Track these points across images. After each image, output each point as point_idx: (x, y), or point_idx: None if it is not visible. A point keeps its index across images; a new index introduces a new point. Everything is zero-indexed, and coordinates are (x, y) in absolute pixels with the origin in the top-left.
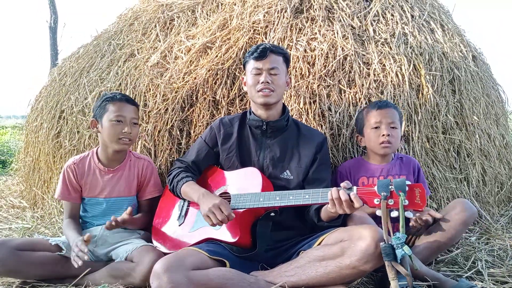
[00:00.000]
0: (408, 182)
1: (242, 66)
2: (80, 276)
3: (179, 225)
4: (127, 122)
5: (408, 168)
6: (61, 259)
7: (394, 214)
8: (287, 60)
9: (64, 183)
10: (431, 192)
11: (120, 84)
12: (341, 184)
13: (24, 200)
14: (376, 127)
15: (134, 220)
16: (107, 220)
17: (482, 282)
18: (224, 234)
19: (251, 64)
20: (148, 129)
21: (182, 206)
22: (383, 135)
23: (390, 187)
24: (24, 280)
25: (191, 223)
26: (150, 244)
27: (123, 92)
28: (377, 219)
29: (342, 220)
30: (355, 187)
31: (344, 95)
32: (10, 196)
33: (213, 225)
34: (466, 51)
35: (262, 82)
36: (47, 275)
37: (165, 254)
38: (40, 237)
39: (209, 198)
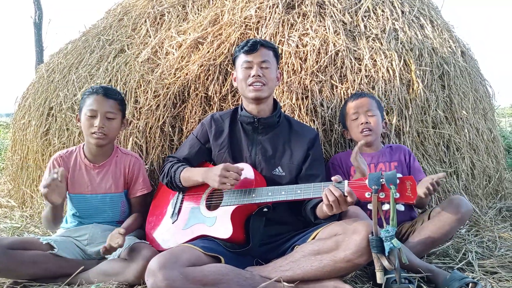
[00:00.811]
0: (399, 175)
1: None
2: (73, 275)
3: (173, 223)
4: (99, 116)
5: (399, 154)
6: (53, 257)
7: (385, 207)
8: (277, 54)
9: None
10: None
11: (110, 80)
12: (332, 178)
13: (12, 199)
14: (355, 118)
15: (128, 232)
16: (100, 244)
17: (472, 273)
18: (217, 230)
19: (242, 58)
20: (139, 126)
21: (175, 204)
22: (362, 123)
23: (381, 180)
24: (15, 280)
25: (184, 220)
26: (144, 241)
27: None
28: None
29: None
30: (346, 181)
31: (336, 91)
32: None
33: (232, 187)
34: (455, 46)
35: (253, 76)
36: (39, 274)
37: (159, 251)
38: (31, 236)
39: (212, 170)
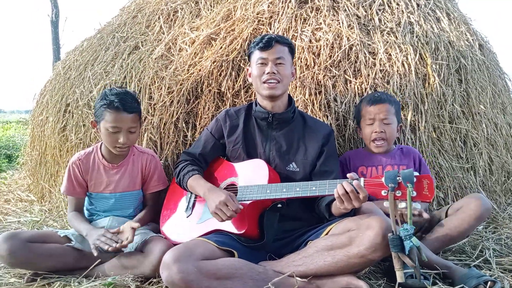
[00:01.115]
0: (416, 173)
1: (246, 57)
2: (90, 268)
3: (187, 217)
4: (122, 132)
5: (409, 158)
6: (71, 250)
7: (401, 205)
8: (292, 50)
9: (69, 179)
10: (438, 182)
11: (125, 77)
12: (348, 175)
13: (32, 193)
14: (370, 124)
15: (140, 225)
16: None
17: (490, 270)
18: (231, 225)
19: (256, 55)
20: (153, 122)
21: (190, 198)
22: (375, 132)
23: (397, 178)
24: (35, 271)
25: (198, 214)
26: (159, 235)
27: (127, 85)
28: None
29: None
30: (362, 179)
31: (350, 85)
32: (18, 190)
33: (222, 221)
34: (472, 39)
35: (267, 73)
36: (58, 266)
37: (174, 245)
38: (49, 230)
39: (214, 194)
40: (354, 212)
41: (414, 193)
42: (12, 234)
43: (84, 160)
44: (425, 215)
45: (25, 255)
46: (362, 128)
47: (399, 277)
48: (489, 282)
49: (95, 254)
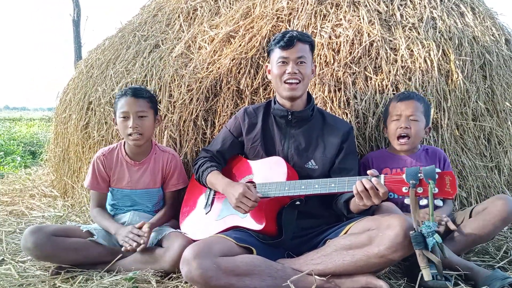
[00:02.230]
0: (438, 170)
1: (266, 54)
2: (112, 262)
3: (206, 213)
4: (131, 117)
5: (434, 160)
6: (93, 245)
7: (423, 202)
8: (313, 47)
9: (93, 174)
10: (461, 181)
11: (145, 75)
12: (368, 172)
13: (55, 189)
14: (396, 119)
15: (154, 227)
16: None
17: None
18: (250, 222)
19: (277, 53)
20: (173, 120)
21: (209, 195)
22: (400, 127)
23: (419, 175)
24: (59, 265)
25: (217, 211)
26: (179, 230)
27: (148, 83)
28: (404, 209)
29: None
30: (382, 176)
31: (370, 82)
32: (42, 185)
33: (246, 213)
34: (498, 34)
35: (288, 73)
36: (80, 260)
37: (193, 241)
38: (72, 224)
39: (232, 188)
40: (373, 210)
41: (436, 190)
42: (37, 227)
43: (108, 156)
44: (451, 226)
45: (49, 248)
46: (388, 125)
47: (426, 275)
48: None
49: (125, 251)
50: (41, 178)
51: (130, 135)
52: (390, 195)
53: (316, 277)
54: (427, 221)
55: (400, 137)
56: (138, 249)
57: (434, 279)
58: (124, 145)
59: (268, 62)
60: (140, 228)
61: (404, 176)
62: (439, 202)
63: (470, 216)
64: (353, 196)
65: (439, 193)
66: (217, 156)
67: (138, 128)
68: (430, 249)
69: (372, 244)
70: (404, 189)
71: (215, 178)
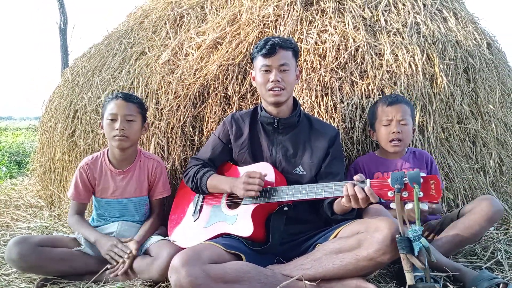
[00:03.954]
0: (422, 174)
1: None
2: (100, 273)
3: (194, 221)
4: (119, 119)
5: (421, 162)
6: (80, 254)
7: (408, 206)
8: (296, 53)
9: (76, 184)
10: (447, 183)
11: (132, 82)
12: (355, 177)
13: (41, 199)
14: (386, 125)
15: (141, 242)
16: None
17: (502, 272)
18: (238, 229)
19: (260, 61)
20: (161, 127)
21: (197, 202)
22: (393, 132)
23: (404, 179)
24: (45, 276)
25: (206, 218)
26: (167, 238)
27: (135, 90)
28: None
29: (356, 213)
30: (368, 180)
31: (357, 87)
32: (27, 195)
33: (256, 195)
34: (480, 39)
35: (272, 81)
36: (67, 271)
37: (181, 249)
38: (59, 235)
39: (237, 181)
40: (357, 212)
41: (421, 194)
42: (22, 238)
43: (91, 166)
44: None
45: (35, 259)
46: (377, 129)
47: (409, 279)
48: (501, 284)
49: (110, 266)
50: (27, 188)
51: (114, 136)
52: None
53: (306, 282)
54: (414, 225)
55: (393, 140)
56: (119, 273)
57: (423, 281)
58: (107, 154)
59: (253, 69)
60: (126, 242)
61: (389, 180)
62: (424, 206)
63: (458, 218)
64: (337, 197)
65: (424, 197)
66: (208, 163)
67: (124, 131)
68: (417, 253)
69: (361, 247)
70: (389, 194)
71: (217, 180)
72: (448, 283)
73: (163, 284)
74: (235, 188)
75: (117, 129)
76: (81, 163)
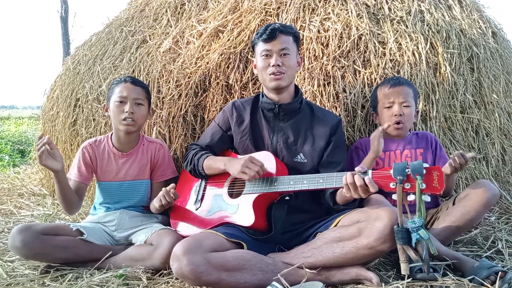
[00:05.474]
0: (425, 165)
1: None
2: (102, 260)
3: (196, 210)
4: (128, 102)
5: (425, 141)
6: (83, 243)
7: (410, 197)
8: (297, 39)
9: (78, 163)
10: None
11: (133, 71)
12: (356, 169)
13: (44, 187)
14: (388, 107)
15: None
16: (128, 230)
17: (502, 261)
18: (239, 218)
19: (260, 46)
20: (162, 115)
21: (198, 191)
22: (395, 115)
23: (406, 170)
24: (49, 264)
25: (207, 207)
26: (169, 227)
27: None
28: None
29: (358, 204)
30: (370, 171)
31: (359, 76)
32: (30, 184)
33: (251, 178)
34: (485, 27)
35: (272, 65)
36: (70, 258)
37: (183, 237)
38: (62, 223)
39: (235, 160)
40: (359, 202)
41: (423, 185)
42: (26, 226)
43: (94, 147)
44: (470, 154)
45: (38, 246)
46: (380, 112)
47: (403, 269)
48: (500, 273)
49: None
50: (30, 176)
51: (124, 119)
52: None
53: (307, 270)
54: (414, 217)
55: (395, 123)
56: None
57: (423, 272)
58: (111, 137)
59: (254, 57)
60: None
61: (391, 171)
62: (426, 198)
63: (453, 204)
64: (338, 188)
65: (427, 189)
66: (206, 150)
67: (133, 114)
68: (414, 244)
69: (361, 236)
70: (391, 185)
71: (213, 160)
72: (448, 271)
73: (165, 272)
74: (230, 168)
75: (126, 112)
76: (84, 144)
